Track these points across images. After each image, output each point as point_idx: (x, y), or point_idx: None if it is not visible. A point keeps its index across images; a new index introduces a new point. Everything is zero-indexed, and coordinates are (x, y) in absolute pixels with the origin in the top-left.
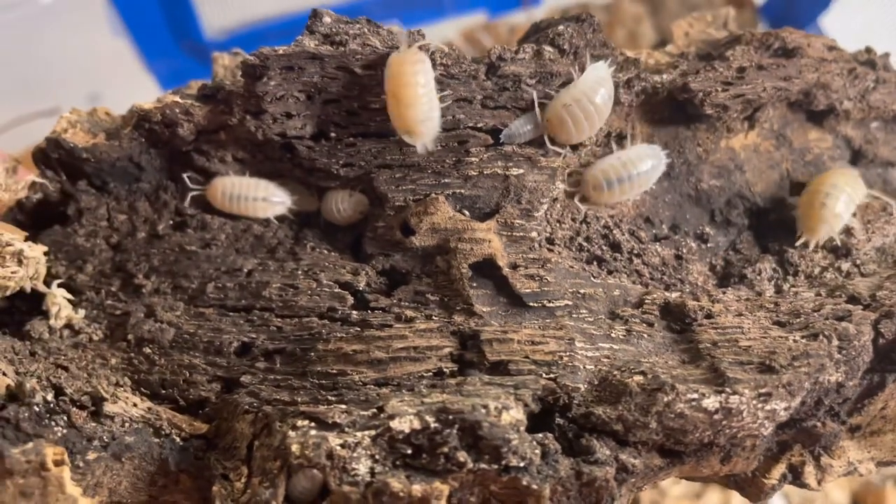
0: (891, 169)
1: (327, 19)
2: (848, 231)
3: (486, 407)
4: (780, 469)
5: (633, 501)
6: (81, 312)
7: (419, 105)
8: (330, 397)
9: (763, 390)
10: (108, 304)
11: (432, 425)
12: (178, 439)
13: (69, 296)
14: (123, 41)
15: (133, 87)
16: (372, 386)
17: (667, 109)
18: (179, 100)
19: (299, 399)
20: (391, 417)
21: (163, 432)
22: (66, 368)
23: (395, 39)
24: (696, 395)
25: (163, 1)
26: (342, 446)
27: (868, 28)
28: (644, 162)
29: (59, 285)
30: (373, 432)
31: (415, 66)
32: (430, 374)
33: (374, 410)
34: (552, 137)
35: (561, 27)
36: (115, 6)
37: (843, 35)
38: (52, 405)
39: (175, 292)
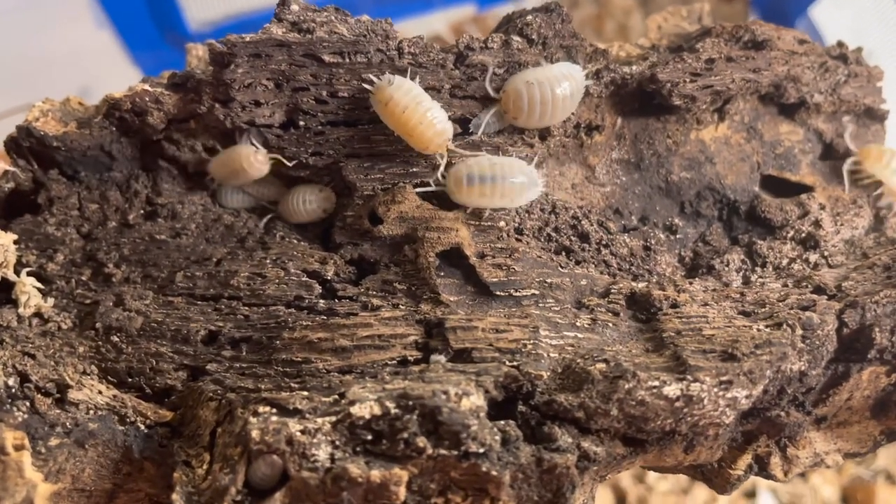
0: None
1: (295, 7)
2: (816, 223)
3: (446, 393)
4: (745, 460)
5: (619, 496)
6: (51, 301)
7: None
8: (293, 385)
9: (724, 378)
10: (77, 293)
11: (392, 411)
12: (142, 427)
13: (39, 284)
14: (108, 33)
15: (120, 79)
16: (335, 374)
17: (636, 101)
18: (149, 88)
19: (263, 386)
20: (352, 403)
21: (128, 420)
22: (32, 356)
23: (364, 27)
24: (657, 383)
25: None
26: (302, 432)
27: (858, 19)
28: (515, 175)
29: (29, 274)
30: (333, 418)
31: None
32: (395, 361)
33: (336, 397)
34: (504, 112)
35: (529, 17)
36: (100, 2)
37: (834, 26)
38: (13, 390)
39: (145, 281)
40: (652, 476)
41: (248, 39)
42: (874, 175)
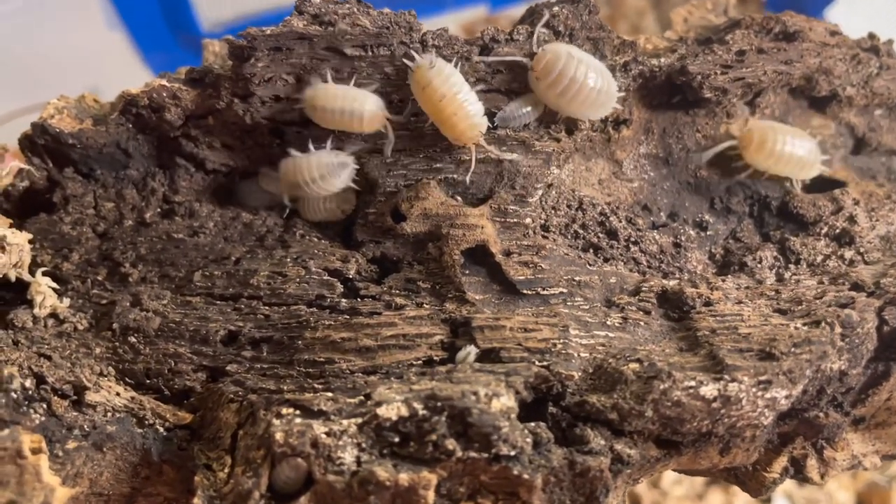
0: (895, 157)
1: None
2: (851, 219)
3: (475, 394)
4: (781, 462)
5: (634, 500)
6: (66, 301)
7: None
8: (316, 385)
9: (763, 377)
10: (93, 293)
11: (420, 412)
12: (161, 429)
13: (54, 284)
14: (119, 34)
15: (132, 80)
16: (360, 374)
17: (665, 94)
18: (167, 83)
19: (285, 387)
20: (378, 405)
21: (146, 422)
22: (48, 357)
23: (386, 19)
24: (693, 383)
25: None
26: (327, 434)
27: (873, 21)
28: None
29: (45, 274)
30: (359, 420)
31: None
32: (420, 362)
33: (361, 398)
34: (531, 69)
35: (556, 8)
36: (111, 1)
37: (850, 27)
38: (30, 392)
39: (162, 281)
40: (667, 481)
41: (268, 32)
42: (754, 166)
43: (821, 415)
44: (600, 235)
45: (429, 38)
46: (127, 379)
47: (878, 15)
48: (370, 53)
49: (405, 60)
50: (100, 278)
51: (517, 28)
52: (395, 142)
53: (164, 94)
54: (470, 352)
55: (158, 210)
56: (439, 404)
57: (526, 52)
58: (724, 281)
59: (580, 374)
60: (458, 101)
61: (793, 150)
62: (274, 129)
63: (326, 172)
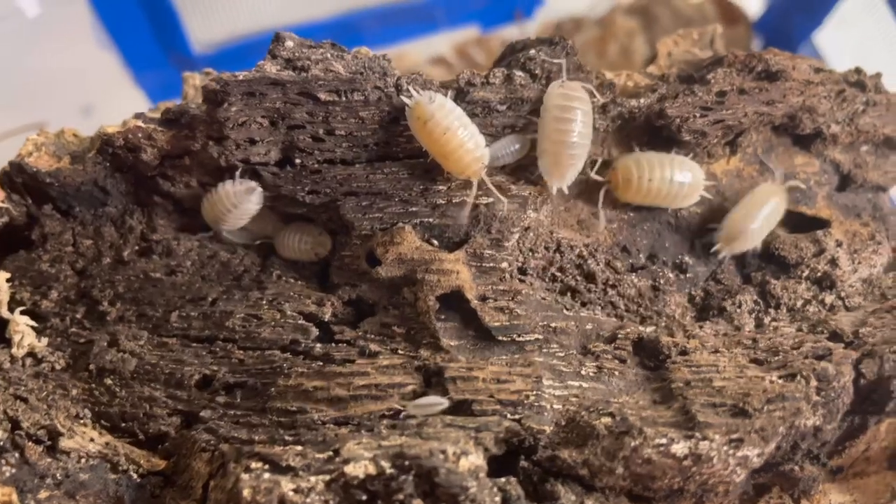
0: (881, 194)
1: (290, 43)
2: (833, 262)
3: (444, 452)
4: None
5: None
6: (44, 341)
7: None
8: (287, 437)
9: (735, 436)
10: (72, 332)
11: (388, 471)
12: (135, 475)
13: (33, 323)
14: (111, 54)
15: (125, 98)
16: (331, 425)
17: (645, 134)
18: (142, 124)
19: (256, 437)
20: (346, 462)
21: (120, 468)
22: (25, 400)
23: (360, 64)
24: (664, 440)
25: (149, 14)
26: (295, 491)
27: (863, 44)
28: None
29: (23, 312)
30: (327, 477)
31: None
32: (392, 412)
33: (330, 453)
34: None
35: (532, 51)
36: (101, 19)
37: (838, 50)
38: (3, 443)
39: (139, 320)
40: None
41: (241, 78)
42: (630, 203)
43: (796, 468)
44: (578, 278)
45: (403, 83)
46: (103, 421)
47: (867, 37)
48: (344, 98)
49: (402, 97)
50: (78, 316)
51: (493, 71)
52: (370, 185)
53: (140, 135)
54: (436, 403)
55: (136, 248)
56: (407, 463)
57: (501, 97)
58: (701, 328)
59: (552, 427)
60: (463, 133)
61: (662, 182)
62: (250, 170)
63: (237, 200)
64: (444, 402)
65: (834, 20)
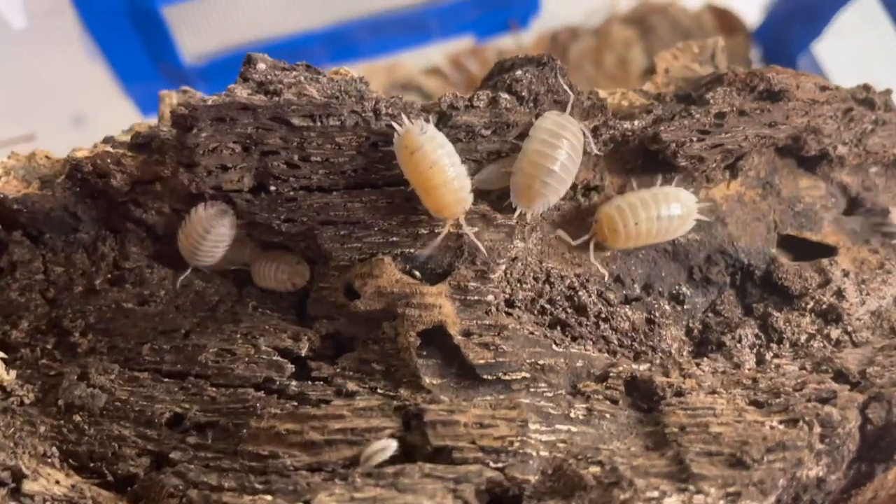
0: (891, 217)
1: (262, 65)
2: (839, 293)
3: None
4: None
5: None
6: (13, 374)
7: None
8: (257, 484)
9: (731, 489)
10: (42, 364)
11: None
12: None
13: (3, 354)
14: (100, 66)
15: (115, 109)
16: (304, 471)
17: (639, 158)
18: (111, 149)
19: (226, 484)
20: None
21: None
22: None
23: (336, 87)
24: (655, 493)
25: (138, 26)
26: None
27: (862, 55)
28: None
29: None
30: None
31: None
32: None
33: None
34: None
35: (519, 72)
36: (89, 31)
37: (838, 61)
38: None
39: (111, 352)
40: None
41: (209, 103)
42: (623, 250)
43: None
44: (568, 311)
45: (382, 107)
46: (71, 461)
47: (867, 47)
48: (319, 123)
49: (393, 123)
50: (49, 346)
51: (477, 94)
52: (349, 214)
53: (109, 160)
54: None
55: (109, 276)
56: None
57: (485, 121)
58: (698, 365)
59: (538, 477)
60: (450, 171)
61: (651, 222)
62: (223, 197)
63: (208, 225)
64: (393, 445)
65: (833, 30)
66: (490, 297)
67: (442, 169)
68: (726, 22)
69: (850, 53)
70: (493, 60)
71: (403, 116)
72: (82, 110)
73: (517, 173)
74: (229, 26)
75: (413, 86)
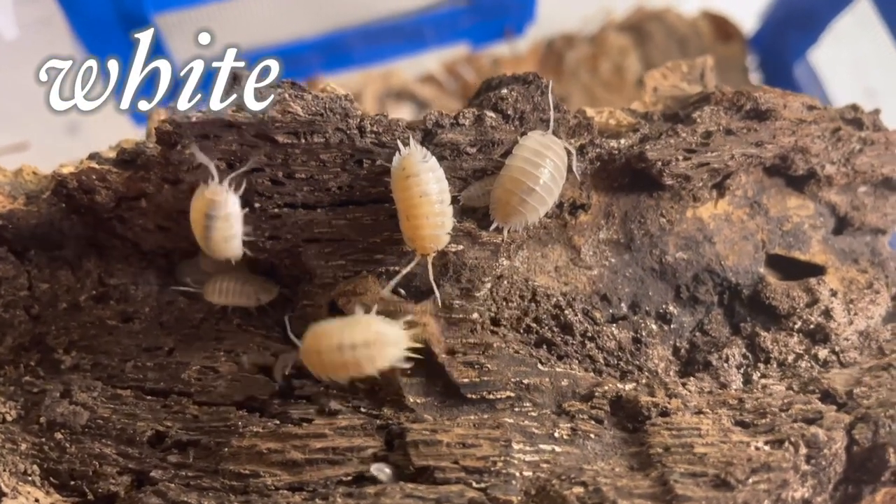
0: (880, 237)
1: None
2: (827, 313)
3: None
4: None
5: None
6: None
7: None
8: None
9: None
10: (25, 381)
11: None
12: None
13: None
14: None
15: (110, 117)
16: (285, 491)
17: (626, 176)
18: (96, 165)
19: (206, 503)
20: None
21: None
22: None
23: (321, 105)
24: None
25: (130, 35)
26: None
27: (858, 62)
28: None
29: None
30: None
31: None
32: (350, 478)
33: None
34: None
35: (504, 91)
36: (80, 41)
37: (834, 68)
38: None
39: (95, 369)
40: None
41: (193, 120)
42: None
43: None
44: (554, 330)
45: (367, 125)
46: (52, 479)
47: (863, 54)
48: (303, 140)
49: (399, 142)
50: (32, 363)
51: (463, 112)
52: (333, 231)
53: (94, 177)
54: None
55: (93, 293)
56: None
57: (471, 139)
58: (684, 385)
59: (520, 497)
60: (436, 207)
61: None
62: None
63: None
64: (386, 471)
65: (829, 37)
66: (475, 315)
67: (430, 201)
68: (722, 29)
69: (846, 60)
70: (488, 68)
71: (412, 142)
72: (76, 119)
73: (497, 188)
74: (223, 36)
75: (407, 93)
